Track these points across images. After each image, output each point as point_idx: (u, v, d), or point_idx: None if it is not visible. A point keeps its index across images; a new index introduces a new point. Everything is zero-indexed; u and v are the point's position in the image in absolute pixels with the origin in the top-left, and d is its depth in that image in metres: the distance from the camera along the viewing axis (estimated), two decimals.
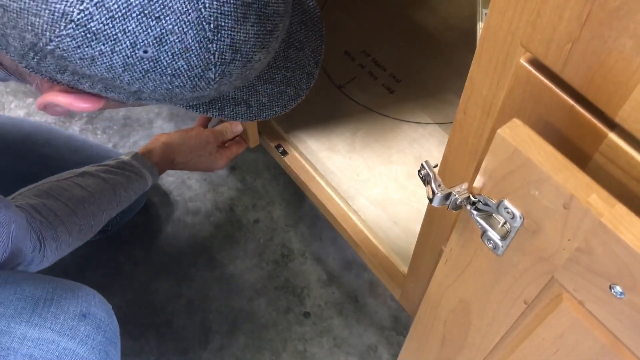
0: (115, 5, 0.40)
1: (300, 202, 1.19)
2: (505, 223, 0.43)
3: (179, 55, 0.44)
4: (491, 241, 0.44)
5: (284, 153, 1.07)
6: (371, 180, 1.01)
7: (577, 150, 0.42)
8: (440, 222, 0.68)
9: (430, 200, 0.45)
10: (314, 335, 1.05)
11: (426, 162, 0.45)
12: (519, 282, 0.45)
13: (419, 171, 0.45)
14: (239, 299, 1.09)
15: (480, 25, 0.70)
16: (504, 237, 0.43)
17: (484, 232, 0.44)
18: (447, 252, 0.52)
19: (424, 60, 1.15)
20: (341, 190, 1.01)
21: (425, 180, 0.45)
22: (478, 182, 0.43)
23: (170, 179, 1.21)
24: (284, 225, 1.17)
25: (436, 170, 0.45)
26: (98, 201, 0.79)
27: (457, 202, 0.44)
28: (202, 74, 0.46)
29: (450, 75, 1.13)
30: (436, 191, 0.44)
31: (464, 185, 0.44)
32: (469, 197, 0.44)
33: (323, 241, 1.15)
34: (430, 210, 0.69)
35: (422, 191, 1.00)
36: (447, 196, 0.44)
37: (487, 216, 0.44)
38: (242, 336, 1.05)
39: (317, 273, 1.12)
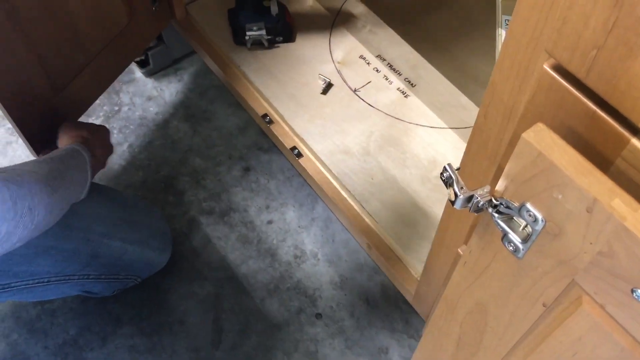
0: None
1: (313, 204, 1.20)
2: (526, 226, 0.44)
3: None
4: (512, 244, 0.45)
5: (299, 155, 1.08)
6: (385, 184, 1.02)
7: (599, 156, 0.43)
8: (457, 225, 0.69)
9: (453, 203, 0.45)
10: (325, 336, 1.06)
11: (449, 164, 0.45)
12: (538, 285, 0.46)
13: (442, 173, 0.46)
14: (251, 299, 1.10)
15: (499, 32, 0.71)
16: (524, 240, 0.44)
17: (505, 234, 0.45)
18: (466, 254, 0.53)
19: (438, 65, 1.15)
20: (355, 192, 1.01)
21: (448, 183, 0.46)
22: (500, 185, 0.43)
23: (185, 179, 1.22)
24: (296, 227, 1.18)
25: (458, 173, 0.46)
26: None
27: (479, 205, 0.45)
28: None
29: (465, 80, 1.13)
30: (459, 193, 0.45)
31: (486, 188, 0.45)
32: (491, 200, 0.44)
33: (336, 243, 1.16)
34: (446, 213, 0.70)
35: (436, 195, 1.01)
36: (469, 199, 0.45)
37: (508, 219, 0.45)
38: (254, 336, 1.06)
39: (329, 275, 1.12)
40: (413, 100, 1.11)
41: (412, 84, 1.13)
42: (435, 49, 1.18)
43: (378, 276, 1.11)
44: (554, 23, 0.40)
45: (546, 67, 0.43)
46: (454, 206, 0.46)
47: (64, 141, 0.91)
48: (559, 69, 0.42)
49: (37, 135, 0.97)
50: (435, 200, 1.00)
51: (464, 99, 1.10)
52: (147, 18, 1.12)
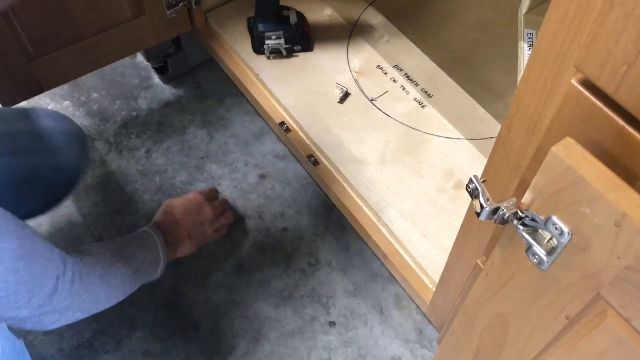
0: None
1: (328, 212, 1.20)
2: (551, 239, 0.44)
3: None
4: (536, 256, 0.45)
5: (316, 163, 1.09)
6: (401, 193, 1.02)
7: (626, 170, 0.43)
8: (476, 236, 0.69)
9: (478, 214, 0.46)
10: (339, 344, 1.06)
11: (475, 176, 0.46)
12: (562, 298, 0.46)
13: (467, 185, 0.46)
14: (266, 306, 1.10)
15: (522, 45, 0.71)
16: (549, 253, 0.44)
17: (529, 247, 0.45)
18: (488, 266, 0.53)
19: (455, 77, 1.16)
20: (371, 202, 1.02)
21: (473, 194, 0.46)
22: (527, 198, 0.44)
23: (201, 185, 1.23)
24: (311, 235, 1.18)
25: (484, 184, 0.46)
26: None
27: (505, 217, 0.45)
28: None
29: (482, 92, 1.14)
30: (484, 205, 0.45)
31: (512, 201, 0.45)
32: (516, 212, 0.45)
33: (350, 252, 1.16)
34: (466, 225, 0.70)
35: (452, 206, 1.01)
36: (495, 210, 0.45)
37: (533, 231, 0.45)
38: (267, 343, 1.06)
39: (343, 283, 1.13)
40: (430, 110, 1.11)
41: (429, 95, 1.13)
42: (452, 60, 1.19)
43: (392, 286, 1.12)
44: (584, 39, 0.41)
45: (574, 82, 0.43)
46: (480, 217, 0.46)
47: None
48: (587, 84, 0.42)
49: (7, 93, 1.05)
50: (451, 211, 1.00)
51: (480, 111, 1.11)
52: (158, 19, 1.14)
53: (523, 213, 0.44)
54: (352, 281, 1.13)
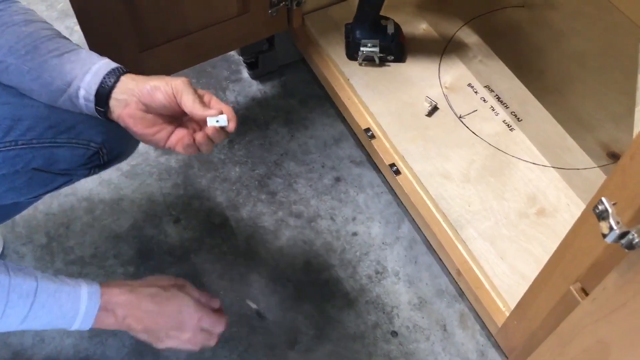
0: None
1: (399, 222, 1.21)
2: None
3: None
4: None
5: (397, 172, 1.09)
6: (482, 213, 1.02)
7: None
8: (572, 262, 0.68)
9: (605, 236, 0.46)
10: (399, 354, 1.06)
11: (605, 198, 0.46)
12: None
13: (596, 206, 0.47)
14: (330, 306, 1.11)
15: None
16: None
17: None
18: (598, 290, 0.53)
19: (546, 104, 1.15)
20: (451, 218, 1.02)
21: (602, 216, 0.46)
22: None
23: (278, 180, 1.26)
24: (380, 243, 1.19)
25: (615, 207, 0.46)
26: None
27: (633, 242, 0.45)
28: None
29: (572, 123, 1.12)
30: (614, 228, 0.45)
31: None
32: None
33: (418, 265, 1.16)
34: (561, 249, 0.70)
35: (533, 232, 1.00)
36: (624, 235, 0.45)
37: None
38: (329, 343, 1.07)
39: (408, 295, 1.13)
40: (518, 134, 1.11)
41: (518, 119, 1.13)
42: (545, 87, 1.18)
43: (458, 304, 1.11)
44: None
45: None
46: (606, 239, 0.46)
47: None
48: None
49: None
50: (531, 237, 0.99)
51: (570, 141, 1.10)
52: (261, 18, 1.18)
53: None
54: (418, 294, 1.13)
